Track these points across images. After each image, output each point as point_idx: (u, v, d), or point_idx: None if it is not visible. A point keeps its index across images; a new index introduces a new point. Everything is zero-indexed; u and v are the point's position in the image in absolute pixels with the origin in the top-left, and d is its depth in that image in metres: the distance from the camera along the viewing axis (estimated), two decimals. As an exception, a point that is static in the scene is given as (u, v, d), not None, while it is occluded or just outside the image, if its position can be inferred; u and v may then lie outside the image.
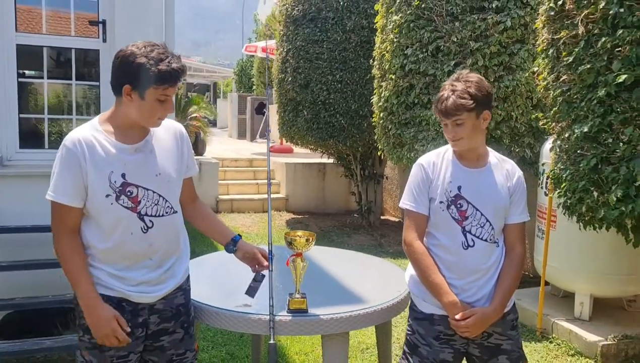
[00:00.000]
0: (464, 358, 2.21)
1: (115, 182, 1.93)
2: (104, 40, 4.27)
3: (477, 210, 2.08)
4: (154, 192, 1.99)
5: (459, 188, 2.09)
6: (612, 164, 2.51)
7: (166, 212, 2.03)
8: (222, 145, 13.18)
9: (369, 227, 7.81)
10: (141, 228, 1.97)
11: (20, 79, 4.15)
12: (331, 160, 8.45)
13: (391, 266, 3.00)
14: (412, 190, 2.17)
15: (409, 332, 2.22)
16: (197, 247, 5.65)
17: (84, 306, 1.94)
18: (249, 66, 19.56)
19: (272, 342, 2.14)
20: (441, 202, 2.10)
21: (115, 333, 1.94)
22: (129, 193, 1.94)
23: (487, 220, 2.08)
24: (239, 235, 2.30)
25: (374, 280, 2.80)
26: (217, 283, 2.78)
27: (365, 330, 4.15)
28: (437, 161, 2.15)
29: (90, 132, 1.95)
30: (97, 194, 1.92)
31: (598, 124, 2.54)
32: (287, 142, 8.32)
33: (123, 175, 1.94)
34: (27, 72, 4.42)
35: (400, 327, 4.21)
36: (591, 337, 3.75)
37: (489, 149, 2.19)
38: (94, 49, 4.28)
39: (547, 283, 4.53)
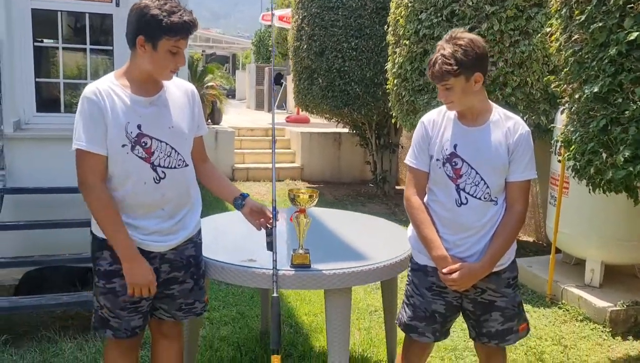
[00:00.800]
0: (459, 312, 2.24)
1: (131, 132, 2.00)
2: (117, 5, 4.29)
3: (471, 168, 2.08)
4: (166, 144, 2.06)
5: (455, 146, 2.10)
6: (622, 124, 2.48)
7: (178, 165, 2.10)
8: (239, 115, 13.21)
9: (384, 197, 7.82)
10: (154, 179, 2.04)
11: (36, 44, 4.20)
12: (347, 130, 8.44)
13: (397, 227, 3.02)
14: (413, 146, 2.21)
15: (407, 282, 2.28)
16: (209, 211, 5.75)
17: (124, 257, 2.02)
18: (267, 37, 19.44)
19: (275, 295, 2.20)
20: (437, 160, 2.12)
21: (150, 285, 2.04)
22: (143, 144, 2.02)
23: (482, 179, 2.07)
24: (246, 193, 2.35)
25: (379, 240, 2.83)
26: (224, 240, 2.83)
27: (374, 294, 4.21)
28: (438, 119, 2.16)
29: (108, 85, 2.02)
30: (114, 144, 1.99)
31: (608, 84, 2.50)
32: (302, 111, 8.31)
33: (139, 126, 2.01)
34: (41, 37, 4.47)
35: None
36: (600, 303, 3.75)
37: (495, 106, 2.16)
38: (108, 14, 4.31)
39: (559, 251, 4.52)
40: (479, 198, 2.09)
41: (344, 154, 8.99)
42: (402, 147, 8.27)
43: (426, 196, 2.22)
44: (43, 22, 4.36)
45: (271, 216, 2.27)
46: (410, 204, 2.19)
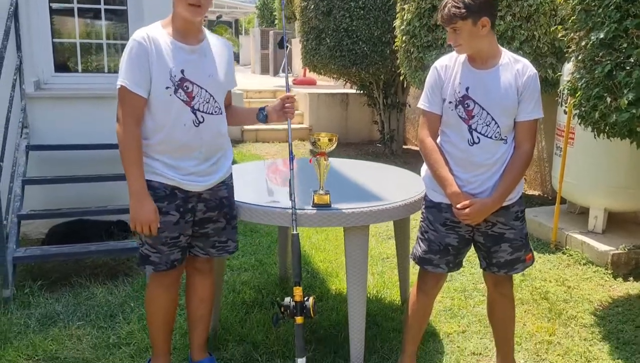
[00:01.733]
0: (471, 245, 2.41)
1: (175, 76, 2.16)
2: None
3: (483, 109, 2.20)
4: (206, 90, 2.23)
5: (467, 89, 2.22)
6: (626, 69, 2.58)
7: (215, 111, 2.28)
8: (246, 79, 13.25)
9: (391, 155, 7.94)
10: (193, 122, 2.21)
11: (52, 4, 4.29)
12: (354, 90, 8.50)
13: (410, 173, 3.16)
14: (427, 90, 2.33)
15: (422, 219, 2.43)
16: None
17: (132, 194, 2.17)
18: (271, 0, 19.26)
19: (294, 232, 2.37)
20: (450, 102, 2.25)
21: (150, 223, 2.18)
22: (185, 88, 2.18)
23: (493, 119, 2.20)
24: (262, 107, 2.57)
25: (393, 184, 2.98)
26: (248, 186, 2.98)
27: (386, 243, 4.39)
28: (450, 64, 2.28)
29: (156, 31, 2.19)
30: (158, 86, 2.15)
31: (614, 30, 2.60)
32: (310, 71, 8.37)
33: (182, 71, 2.17)
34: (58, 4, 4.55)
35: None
36: (602, 247, 3.91)
37: (504, 50, 2.28)
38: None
39: (564, 202, 4.67)
40: (490, 138, 2.22)
41: (352, 114, 9.08)
42: (409, 106, 8.35)
43: (439, 138, 2.35)
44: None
45: (288, 98, 2.50)
46: (425, 146, 2.32)
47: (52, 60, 4.39)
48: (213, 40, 2.32)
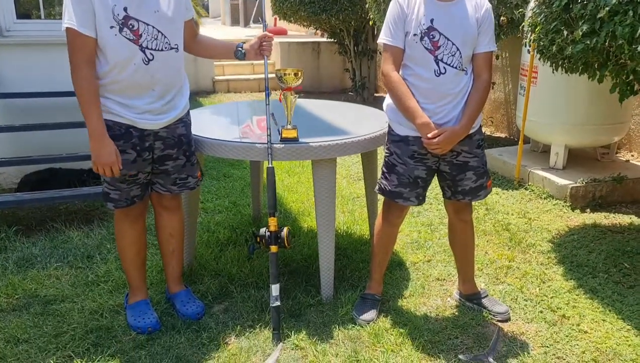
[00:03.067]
0: (434, 176, 2.51)
1: (118, 14, 2.13)
2: None
3: (448, 40, 2.28)
4: (153, 27, 2.20)
5: (432, 20, 2.27)
6: (581, 2, 2.67)
7: (165, 47, 2.25)
8: (216, 32, 12.99)
9: (363, 103, 7.99)
10: (142, 60, 2.20)
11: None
12: (325, 39, 8.46)
13: (376, 110, 3.24)
14: (389, 25, 2.36)
15: (387, 154, 2.50)
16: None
17: (91, 136, 2.19)
18: (238, -53, 18.65)
19: (270, 165, 2.45)
20: (415, 35, 2.29)
21: (112, 165, 2.22)
22: (130, 27, 2.15)
23: (458, 49, 2.28)
24: (240, 43, 2.60)
25: (360, 119, 3.06)
26: (218, 124, 3.03)
27: (357, 183, 4.51)
28: None
29: None
30: (102, 25, 2.12)
31: (571, -37, 2.67)
32: (280, 19, 8.27)
33: (125, 9, 2.14)
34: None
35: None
36: (562, 181, 4.09)
37: None
38: None
39: (527, 141, 4.83)
40: (455, 68, 2.30)
41: (323, 63, 9.05)
42: (379, 53, 8.35)
43: (400, 71, 2.41)
44: None
45: (267, 33, 2.56)
46: (391, 79, 2.36)
47: (13, 6, 4.28)
48: None
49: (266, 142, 2.46)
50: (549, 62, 3.16)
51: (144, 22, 2.18)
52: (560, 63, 3.05)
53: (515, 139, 5.83)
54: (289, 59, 9.00)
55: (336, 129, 2.84)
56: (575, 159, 4.53)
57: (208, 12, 20.94)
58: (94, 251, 3.24)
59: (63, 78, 4.18)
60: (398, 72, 2.39)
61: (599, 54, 2.71)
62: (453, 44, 2.28)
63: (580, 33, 2.64)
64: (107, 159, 2.22)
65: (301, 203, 4.05)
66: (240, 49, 2.56)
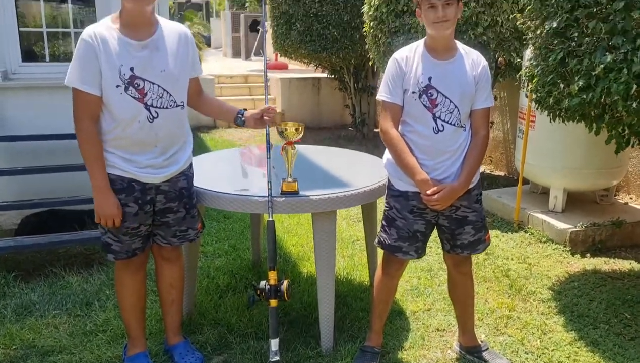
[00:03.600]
0: (435, 228, 2.52)
1: (124, 74, 2.18)
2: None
3: (446, 98, 2.31)
4: (159, 86, 2.25)
5: (430, 78, 2.31)
6: (577, 56, 2.71)
7: (170, 105, 2.30)
8: (217, 62, 13.17)
9: (363, 139, 8.06)
10: (147, 118, 2.24)
11: (17, -8, 4.24)
12: (325, 75, 8.56)
13: (375, 158, 3.26)
14: (387, 82, 2.40)
15: (387, 208, 2.52)
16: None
17: (94, 189, 2.23)
18: (241, -18, 19.04)
19: (270, 219, 2.46)
20: (413, 92, 2.33)
21: (114, 217, 2.26)
22: (136, 85, 2.20)
23: (455, 107, 2.32)
24: (242, 109, 2.60)
25: (360, 170, 3.09)
26: (218, 174, 3.06)
27: (356, 226, 4.52)
28: (410, 55, 2.36)
29: (104, 28, 2.20)
30: (108, 84, 2.17)
31: (566, 20, 2.72)
32: (281, 56, 8.39)
33: (131, 69, 2.19)
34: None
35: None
36: (562, 225, 4.10)
37: (456, 41, 2.40)
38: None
39: (527, 182, 4.86)
40: (453, 125, 2.33)
41: (324, 98, 9.15)
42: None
43: (400, 127, 2.44)
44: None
45: (271, 106, 2.56)
46: (389, 136, 2.38)
47: (18, 49, 4.35)
48: (168, 31, 2.30)
49: (267, 195, 2.48)
50: (546, 112, 3.20)
51: (149, 81, 2.23)
52: (557, 113, 3.09)
53: (515, 178, 5.86)
54: (290, 94, 9.10)
55: (336, 179, 2.86)
56: (575, 201, 4.54)
57: (210, 44, 21.26)
58: (92, 297, 3.23)
59: (66, 120, 4.20)
60: (397, 129, 2.41)
61: (595, 108, 2.75)
62: (451, 101, 2.31)
63: (577, 88, 2.68)
64: (110, 212, 2.25)
65: (301, 247, 4.05)
66: (240, 116, 2.57)
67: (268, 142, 2.56)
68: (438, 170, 2.36)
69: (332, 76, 8.32)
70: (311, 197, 2.52)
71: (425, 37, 2.38)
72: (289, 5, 7.38)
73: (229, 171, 3.09)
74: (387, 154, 2.51)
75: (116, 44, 2.17)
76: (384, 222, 2.53)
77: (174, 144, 2.37)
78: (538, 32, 3.00)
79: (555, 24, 2.77)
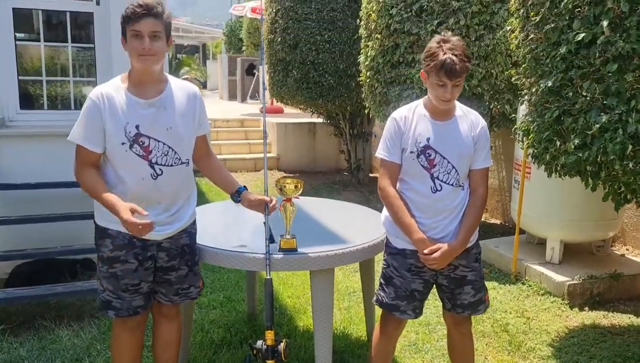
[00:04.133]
0: (434, 287, 2.49)
1: (130, 132, 2.21)
2: (97, 3, 4.40)
3: (444, 158, 2.33)
4: (164, 143, 2.27)
5: (428, 139, 2.34)
6: (573, 115, 2.75)
7: (174, 163, 2.31)
8: (213, 106, 13.28)
9: (358, 184, 8.08)
10: (151, 175, 2.25)
11: (18, 42, 4.30)
12: (321, 120, 8.64)
13: (374, 213, 3.26)
14: (386, 141, 2.42)
15: (385, 266, 2.50)
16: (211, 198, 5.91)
17: (109, 207, 2.18)
18: (238, 27, 19.42)
19: (268, 277, 2.43)
20: (412, 152, 2.35)
21: (146, 226, 2.15)
22: (141, 143, 2.23)
23: (453, 167, 2.33)
24: (244, 186, 2.57)
25: (357, 225, 3.07)
26: (217, 228, 3.03)
27: (353, 276, 4.47)
28: (409, 115, 2.39)
29: (112, 88, 2.25)
30: (113, 141, 2.20)
31: (560, 79, 2.77)
32: (277, 102, 8.49)
33: (137, 127, 2.22)
34: (22, 34, 4.55)
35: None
36: (559, 278, 4.07)
37: (456, 102, 2.42)
38: (89, 12, 4.42)
39: (523, 232, 4.85)
40: (451, 185, 2.34)
41: (319, 143, 9.21)
42: (375, 136, 8.52)
43: (398, 185, 2.45)
44: (23, 18, 4.45)
45: (272, 200, 2.49)
46: (387, 194, 2.39)
47: (17, 97, 4.38)
48: (177, 90, 2.34)
49: (264, 252, 2.46)
50: (543, 167, 3.23)
51: (155, 139, 2.25)
52: (554, 169, 3.11)
53: (510, 226, 5.85)
54: (286, 139, 9.16)
55: (333, 234, 2.84)
56: (571, 252, 4.53)
57: (206, 86, 21.53)
58: (83, 353, 3.15)
59: (63, 169, 4.20)
60: (394, 187, 2.42)
61: (591, 165, 2.77)
62: (449, 162, 2.33)
63: (573, 146, 2.71)
64: (128, 216, 2.14)
65: (297, 299, 3.99)
66: (237, 194, 2.51)
67: (266, 203, 2.54)
68: (435, 229, 2.36)
69: (328, 122, 8.40)
70: (309, 254, 2.50)
71: (426, 98, 2.41)
72: (286, 53, 7.51)
73: (227, 225, 3.07)
74: (385, 212, 2.51)
75: (123, 103, 2.21)
76: (382, 280, 2.51)
77: (178, 200, 2.37)
78: (533, 89, 3.05)
79: (550, 83, 2.82)
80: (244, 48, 18.31)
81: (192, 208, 2.47)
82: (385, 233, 2.57)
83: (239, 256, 2.50)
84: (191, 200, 2.46)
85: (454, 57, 2.19)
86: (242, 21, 18.43)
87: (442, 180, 2.33)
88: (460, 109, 2.41)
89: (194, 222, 2.50)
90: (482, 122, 2.40)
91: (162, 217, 2.31)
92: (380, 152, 2.44)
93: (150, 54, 2.18)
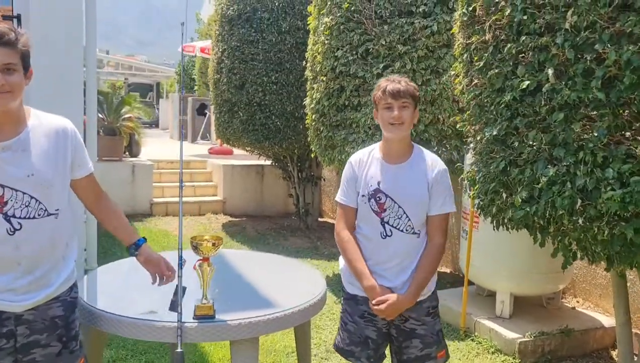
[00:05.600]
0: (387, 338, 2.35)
1: None
2: None
3: (395, 203, 2.22)
4: (24, 193, 1.87)
5: (379, 183, 2.25)
6: (519, 166, 2.58)
7: (39, 215, 1.90)
8: (162, 145, 12.86)
9: (307, 229, 7.79)
10: (7, 230, 1.85)
11: None
12: (270, 162, 8.38)
13: (310, 269, 2.98)
14: (343, 184, 2.37)
15: (342, 311, 2.42)
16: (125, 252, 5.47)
17: None
18: (190, 66, 19.20)
19: (179, 350, 2.08)
20: (363, 196, 2.27)
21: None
22: None
23: (405, 213, 2.22)
24: (144, 238, 2.21)
25: (289, 284, 2.77)
26: (127, 289, 2.67)
27: (291, 333, 4.12)
28: (364, 158, 2.32)
29: None
30: None
31: (506, 128, 2.61)
32: (223, 143, 8.20)
33: None
34: None
35: (327, 329, 4.21)
36: (510, 335, 3.86)
37: (415, 144, 2.34)
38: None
39: (472, 283, 4.65)
40: (402, 231, 2.23)
41: (267, 186, 8.92)
42: (324, 179, 8.32)
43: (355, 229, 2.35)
44: None
45: (167, 272, 2.15)
46: (341, 238, 2.33)
47: None
48: (40, 128, 1.94)
49: (176, 320, 2.12)
50: (490, 219, 3.03)
51: (10, 188, 1.84)
52: (501, 222, 2.92)
53: (461, 276, 5.66)
54: (232, 181, 8.83)
55: (261, 296, 2.53)
56: (522, 304, 4.34)
57: (158, 125, 21.08)
58: None
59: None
60: (351, 231, 2.32)
61: (539, 219, 2.58)
62: (400, 206, 2.22)
63: (520, 200, 2.52)
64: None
65: (228, 361, 3.61)
66: (134, 247, 2.17)
67: (180, 257, 2.22)
68: (386, 277, 2.26)
69: (276, 164, 8.15)
70: (228, 322, 2.18)
71: (382, 141, 2.34)
72: (232, 94, 7.28)
73: (137, 286, 2.70)
74: (342, 257, 2.40)
75: None
76: (340, 322, 2.42)
77: (44, 261, 1.93)
78: (478, 137, 2.88)
79: (495, 132, 2.65)
80: (195, 87, 18.07)
81: (67, 271, 2.03)
82: (321, 295, 2.46)
83: (145, 325, 2.14)
84: (65, 262, 2.02)
85: (400, 80, 2.26)
86: (195, 60, 18.24)
87: (392, 225, 2.23)
88: (419, 152, 2.31)
89: (72, 288, 2.06)
90: (440, 165, 2.29)
91: (22, 282, 1.87)
92: (338, 196, 2.38)
93: (4, 90, 1.79)
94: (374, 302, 2.22)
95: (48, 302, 1.95)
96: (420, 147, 2.36)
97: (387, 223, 2.24)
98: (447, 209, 2.30)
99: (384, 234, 2.25)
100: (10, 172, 1.85)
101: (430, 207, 2.27)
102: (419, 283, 2.24)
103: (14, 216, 1.85)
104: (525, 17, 2.42)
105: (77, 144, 2.04)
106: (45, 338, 1.94)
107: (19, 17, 4.02)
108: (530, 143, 2.48)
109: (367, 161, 2.32)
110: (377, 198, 2.25)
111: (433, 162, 2.30)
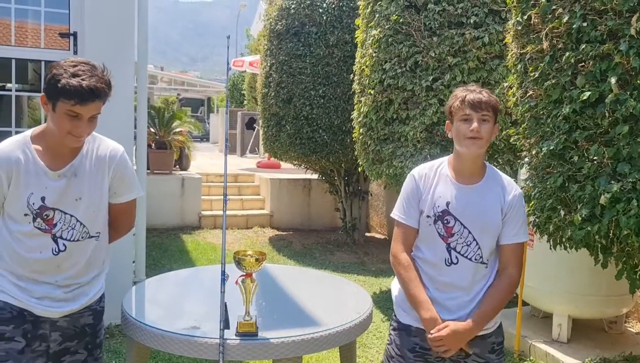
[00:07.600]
0: None
1: (33, 204, 1.92)
2: (75, 53, 4.20)
3: (464, 227, 2.01)
4: (71, 216, 1.97)
5: (448, 204, 2.03)
6: (578, 182, 2.43)
7: (82, 237, 2.01)
8: (211, 159, 13.10)
9: (353, 244, 7.69)
10: (52, 250, 1.96)
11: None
12: (317, 176, 8.36)
13: (355, 287, 2.89)
14: (402, 201, 2.13)
15: (388, 342, 2.19)
16: (174, 264, 5.53)
17: None
18: (240, 81, 19.56)
19: (221, 368, 2.04)
20: (428, 217, 2.05)
21: None
22: (45, 217, 1.94)
23: (474, 239, 2.01)
24: None
25: (335, 302, 2.70)
26: (173, 302, 2.66)
27: (336, 352, 4.03)
28: (430, 174, 2.09)
29: (20, 150, 1.93)
30: (15, 211, 1.92)
31: (564, 141, 2.46)
32: (271, 157, 8.24)
33: (42, 199, 1.93)
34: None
35: (374, 348, 4.09)
36: (568, 360, 3.64)
37: (488, 164, 2.12)
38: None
39: (526, 303, 4.43)
40: (470, 259, 2.01)
41: (314, 200, 8.89)
42: (371, 194, 8.21)
43: (412, 251, 2.13)
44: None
45: None
46: (399, 261, 2.09)
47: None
48: (97, 152, 2.03)
49: (218, 337, 2.08)
50: (546, 238, 2.87)
51: (61, 211, 1.95)
52: (559, 241, 2.75)
53: (514, 296, 5.42)
54: (280, 195, 8.86)
55: (305, 314, 2.47)
56: (581, 328, 4.10)
57: (209, 139, 21.54)
58: None
59: None
60: (409, 254, 2.09)
61: (602, 238, 2.42)
62: (470, 232, 2.00)
63: (579, 218, 2.36)
64: None
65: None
66: None
67: (223, 272, 2.18)
68: (448, 307, 2.01)
69: (323, 178, 8.11)
70: (271, 340, 2.12)
71: (451, 156, 2.11)
72: (280, 107, 7.31)
73: (186, 298, 2.70)
74: (396, 280, 2.18)
75: (29, 172, 1.91)
76: (384, 357, 2.19)
77: (79, 278, 2.03)
78: (534, 151, 2.74)
79: (552, 146, 2.50)
80: (245, 102, 18.36)
81: (99, 284, 2.13)
82: (367, 314, 2.29)
83: (187, 340, 2.12)
84: (98, 278, 2.12)
85: (480, 91, 2.01)
86: (244, 75, 18.56)
87: (459, 252, 2.01)
88: (492, 173, 2.08)
89: (102, 298, 2.16)
90: (515, 190, 2.05)
91: (59, 292, 1.99)
92: (395, 212, 2.13)
93: (82, 135, 1.91)
94: (433, 331, 1.97)
95: (81, 311, 2.05)
96: (493, 167, 2.13)
97: (454, 249, 2.01)
98: (521, 239, 2.06)
99: (449, 261, 2.02)
100: (62, 196, 1.95)
101: (503, 235, 2.03)
102: (486, 314, 2.00)
103: (61, 237, 1.96)
104: (585, 24, 2.29)
105: (122, 172, 2.09)
106: (75, 345, 2.04)
107: (75, 35, 4.16)
108: (592, 157, 2.32)
109: (433, 177, 2.08)
110: (445, 221, 2.02)
111: (509, 184, 2.07)
